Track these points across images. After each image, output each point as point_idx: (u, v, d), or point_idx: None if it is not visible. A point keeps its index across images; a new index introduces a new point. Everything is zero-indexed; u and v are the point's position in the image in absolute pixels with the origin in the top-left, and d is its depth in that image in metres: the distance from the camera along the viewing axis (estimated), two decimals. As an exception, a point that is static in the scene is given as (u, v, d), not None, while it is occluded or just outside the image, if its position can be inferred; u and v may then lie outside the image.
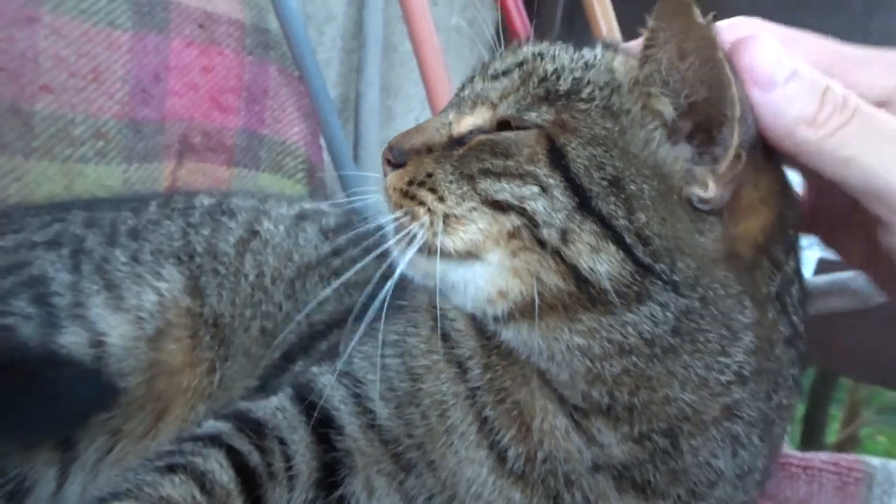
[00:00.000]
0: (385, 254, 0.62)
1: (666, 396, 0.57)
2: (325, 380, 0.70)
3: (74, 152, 1.22)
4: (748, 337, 0.58)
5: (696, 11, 0.51)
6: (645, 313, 0.55)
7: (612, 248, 0.54)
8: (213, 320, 0.89)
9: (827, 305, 1.12)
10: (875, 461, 1.01)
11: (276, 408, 0.69)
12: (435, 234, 0.58)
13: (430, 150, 0.62)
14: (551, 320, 0.57)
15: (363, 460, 0.66)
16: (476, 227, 0.57)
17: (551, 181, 0.56)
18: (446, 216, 0.58)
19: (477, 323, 0.65)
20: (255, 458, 0.64)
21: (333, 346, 0.77)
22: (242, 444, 0.65)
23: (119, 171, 1.28)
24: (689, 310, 0.55)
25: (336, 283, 0.76)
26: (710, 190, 0.55)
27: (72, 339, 0.80)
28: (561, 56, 0.61)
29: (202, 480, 0.61)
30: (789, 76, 0.54)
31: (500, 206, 0.57)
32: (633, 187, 0.55)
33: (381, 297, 0.60)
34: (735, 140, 0.53)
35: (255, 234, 0.96)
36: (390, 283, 0.60)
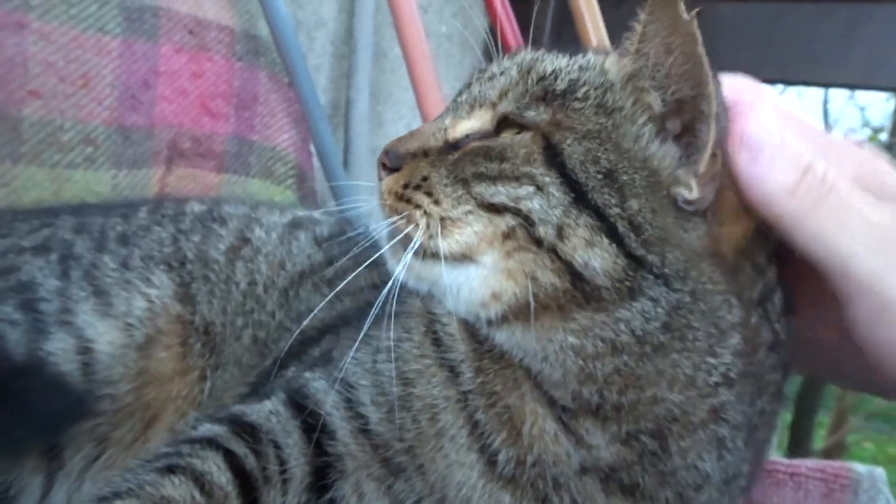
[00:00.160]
0: (378, 263, 0.63)
1: (654, 396, 0.58)
2: (318, 385, 0.70)
3: (63, 158, 1.22)
4: (735, 338, 0.59)
5: (682, 7, 0.53)
6: (637, 309, 0.56)
7: (606, 241, 0.56)
8: (203, 328, 0.88)
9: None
10: (861, 468, 1.02)
11: (270, 412, 0.69)
12: (431, 237, 0.59)
13: (425, 154, 0.63)
14: (546, 320, 0.58)
15: (353, 464, 0.66)
16: (471, 229, 0.59)
17: (547, 179, 0.57)
18: (442, 219, 0.59)
19: (469, 327, 0.65)
20: (251, 461, 0.64)
21: (326, 352, 0.77)
22: (239, 447, 0.65)
23: (108, 177, 1.27)
24: (679, 304, 0.56)
25: (331, 295, 0.76)
26: (693, 191, 0.57)
27: (59, 346, 0.79)
28: (558, 59, 0.64)
29: (201, 482, 0.61)
30: (777, 146, 0.56)
31: (495, 209, 0.58)
32: (625, 177, 0.57)
33: (377, 303, 0.61)
34: (711, 136, 0.55)
35: (247, 241, 0.96)
36: (385, 289, 0.61)
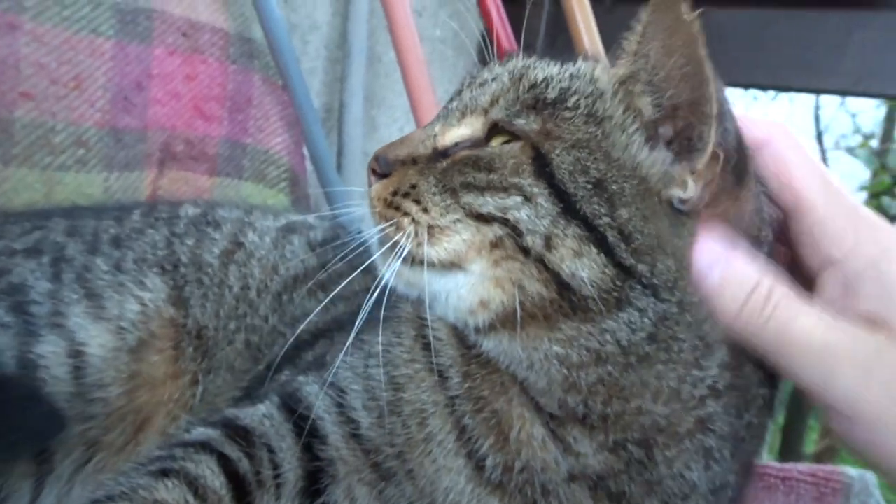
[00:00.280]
0: (372, 267, 0.63)
1: (638, 407, 0.58)
2: (311, 389, 0.70)
3: (55, 160, 1.21)
4: (722, 351, 0.59)
5: (684, 8, 0.53)
6: (623, 320, 0.56)
7: (594, 251, 0.56)
8: (196, 332, 0.88)
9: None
10: (852, 472, 1.02)
11: (264, 415, 0.69)
12: (419, 245, 0.59)
13: (415, 161, 0.63)
14: (531, 329, 0.58)
15: (345, 469, 0.66)
16: (460, 237, 0.59)
17: (535, 189, 0.57)
18: (430, 227, 0.59)
19: (458, 332, 0.65)
20: (244, 465, 0.64)
21: (319, 356, 0.77)
22: (232, 451, 0.65)
23: (100, 180, 1.26)
24: (666, 315, 0.56)
25: (326, 301, 0.76)
26: (689, 189, 0.57)
27: (50, 349, 0.79)
28: (549, 67, 0.63)
29: (195, 486, 0.61)
30: (721, 273, 0.58)
31: (483, 218, 0.58)
32: (615, 187, 0.57)
33: (363, 307, 0.61)
34: (712, 137, 0.56)
35: (240, 245, 0.96)
36: (374, 294, 0.61)
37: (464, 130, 0.63)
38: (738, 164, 0.59)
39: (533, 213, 0.57)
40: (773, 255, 0.62)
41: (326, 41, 1.89)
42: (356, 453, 0.67)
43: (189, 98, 1.40)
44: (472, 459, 0.63)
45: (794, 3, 1.83)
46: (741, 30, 1.77)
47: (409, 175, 0.62)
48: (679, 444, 0.60)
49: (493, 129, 0.62)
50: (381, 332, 0.65)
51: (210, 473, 0.62)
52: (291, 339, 0.81)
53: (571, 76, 0.62)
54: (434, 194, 0.60)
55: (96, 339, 0.81)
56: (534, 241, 0.56)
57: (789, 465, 1.05)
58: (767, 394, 0.64)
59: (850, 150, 3.61)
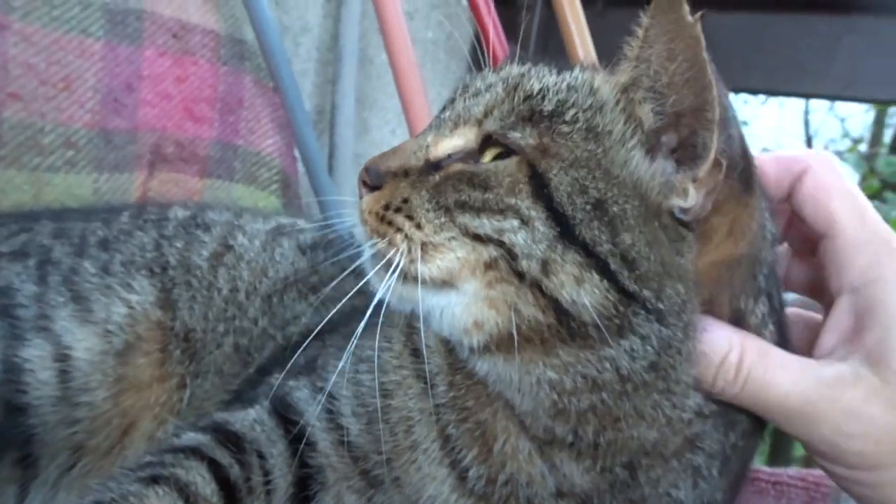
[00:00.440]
0: (362, 272, 0.62)
1: (631, 436, 0.57)
2: (301, 395, 0.70)
3: (43, 161, 1.20)
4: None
5: (686, 9, 0.51)
6: (625, 347, 0.54)
7: (596, 277, 0.53)
8: (184, 334, 0.87)
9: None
10: (842, 476, 1.02)
11: (255, 420, 0.69)
12: (412, 262, 0.57)
13: (406, 173, 0.61)
14: (526, 354, 0.56)
15: (334, 476, 0.66)
16: (454, 255, 0.57)
17: (533, 213, 0.55)
18: (423, 244, 0.57)
19: (447, 340, 0.64)
20: (235, 471, 0.64)
21: (311, 360, 0.76)
22: (223, 457, 0.64)
23: (89, 181, 1.26)
24: (670, 342, 0.55)
25: (316, 301, 0.75)
26: (689, 197, 0.55)
27: (35, 353, 0.78)
28: (545, 77, 0.61)
29: (186, 493, 0.60)
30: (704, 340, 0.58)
31: (479, 238, 0.56)
32: (615, 209, 0.54)
33: (360, 325, 0.60)
34: (714, 144, 0.53)
35: (230, 248, 0.95)
36: (370, 309, 0.60)
37: (457, 141, 0.60)
38: (744, 171, 0.58)
39: (529, 236, 0.54)
40: (771, 274, 0.61)
41: (318, 43, 1.88)
42: (345, 460, 0.66)
43: (180, 99, 1.39)
44: (455, 469, 0.63)
45: (784, 8, 1.84)
46: (732, 34, 1.78)
47: (400, 188, 0.60)
48: (666, 464, 0.59)
49: (487, 141, 0.59)
50: (372, 337, 0.64)
51: (201, 480, 0.62)
52: (273, 340, 0.80)
53: (569, 87, 0.59)
54: (427, 210, 0.58)
55: (83, 343, 0.80)
56: (529, 266, 0.54)
57: (780, 470, 1.05)
58: (747, 419, 0.63)
59: (840, 155, 3.63)
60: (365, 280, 0.60)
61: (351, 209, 0.64)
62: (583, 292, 0.53)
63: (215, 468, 0.63)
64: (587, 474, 0.59)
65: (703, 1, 0.53)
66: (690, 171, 0.55)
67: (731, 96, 0.58)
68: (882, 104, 3.09)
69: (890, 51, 1.71)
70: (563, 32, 1.65)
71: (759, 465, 1.11)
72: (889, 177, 3.01)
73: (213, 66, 1.44)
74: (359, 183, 0.62)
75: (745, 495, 0.97)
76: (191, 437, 0.67)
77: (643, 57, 0.55)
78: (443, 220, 0.57)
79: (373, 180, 0.61)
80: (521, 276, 0.55)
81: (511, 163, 0.57)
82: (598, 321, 0.53)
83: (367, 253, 0.60)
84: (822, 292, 0.67)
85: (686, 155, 0.56)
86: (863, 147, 3.58)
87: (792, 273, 0.70)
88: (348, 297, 0.61)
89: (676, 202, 0.55)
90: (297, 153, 1.62)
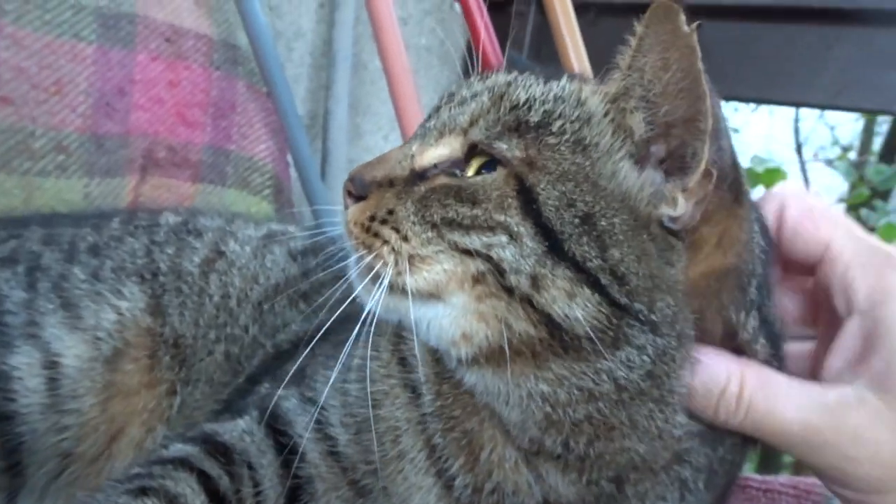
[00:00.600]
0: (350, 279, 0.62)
1: (621, 447, 0.57)
2: (290, 405, 0.69)
3: (34, 165, 1.20)
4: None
5: (682, 19, 0.51)
6: (621, 358, 0.54)
7: (588, 292, 0.53)
8: (173, 340, 0.87)
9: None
10: (832, 484, 1.02)
11: (244, 431, 0.68)
12: (399, 274, 0.56)
13: (391, 183, 0.60)
14: (517, 367, 0.55)
15: (323, 486, 0.66)
16: (441, 267, 0.56)
17: (521, 229, 0.54)
18: (410, 256, 0.56)
19: (434, 350, 0.64)
20: (225, 482, 0.63)
21: (300, 368, 0.76)
22: (212, 469, 0.64)
23: (80, 186, 1.25)
24: (665, 351, 0.54)
25: (308, 311, 0.74)
26: (679, 206, 0.55)
27: (24, 360, 0.77)
28: (532, 87, 0.60)
29: None
30: (700, 371, 0.58)
31: (467, 252, 0.55)
32: (604, 223, 0.54)
33: (348, 344, 0.60)
34: (705, 154, 0.53)
35: (221, 254, 0.94)
36: (358, 317, 0.59)
37: (442, 151, 0.60)
38: (734, 182, 0.58)
39: (517, 252, 0.54)
40: (762, 287, 0.61)
41: (311, 48, 1.88)
42: (334, 470, 0.66)
43: (172, 104, 1.39)
44: (442, 479, 0.63)
45: (775, 18, 1.85)
46: (723, 43, 1.79)
47: (386, 198, 0.59)
48: (654, 478, 0.59)
49: (473, 150, 0.58)
50: (361, 347, 0.64)
51: (190, 492, 0.61)
52: (263, 349, 0.80)
53: (556, 98, 0.58)
54: (414, 223, 0.57)
55: (72, 350, 0.80)
56: (518, 281, 0.54)
57: (770, 478, 1.05)
58: (736, 437, 0.63)
59: (829, 162, 3.65)
60: (354, 295, 0.60)
61: (340, 217, 0.64)
62: (575, 306, 0.53)
63: (204, 480, 0.63)
64: (572, 486, 0.59)
65: (694, 10, 0.53)
66: (680, 180, 0.55)
67: (722, 104, 0.57)
68: (872, 113, 3.11)
69: (880, 61, 1.73)
70: (556, 40, 1.66)
71: (749, 472, 1.11)
72: (878, 185, 3.03)
73: (205, 70, 1.44)
74: (343, 193, 0.62)
75: (736, 503, 0.98)
76: (179, 449, 0.67)
77: (636, 66, 0.54)
78: (430, 234, 0.56)
79: (358, 190, 0.61)
80: (510, 290, 0.54)
81: (499, 176, 0.56)
82: (592, 334, 0.53)
83: (354, 265, 0.60)
84: (814, 320, 0.67)
85: (674, 165, 0.55)
86: (852, 155, 3.60)
87: (781, 304, 0.70)
88: (341, 309, 0.61)
89: (665, 211, 0.55)
90: (289, 158, 1.62)
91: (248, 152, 1.53)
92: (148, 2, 1.33)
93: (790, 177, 3.01)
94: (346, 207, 0.61)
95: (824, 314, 0.67)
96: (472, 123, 0.59)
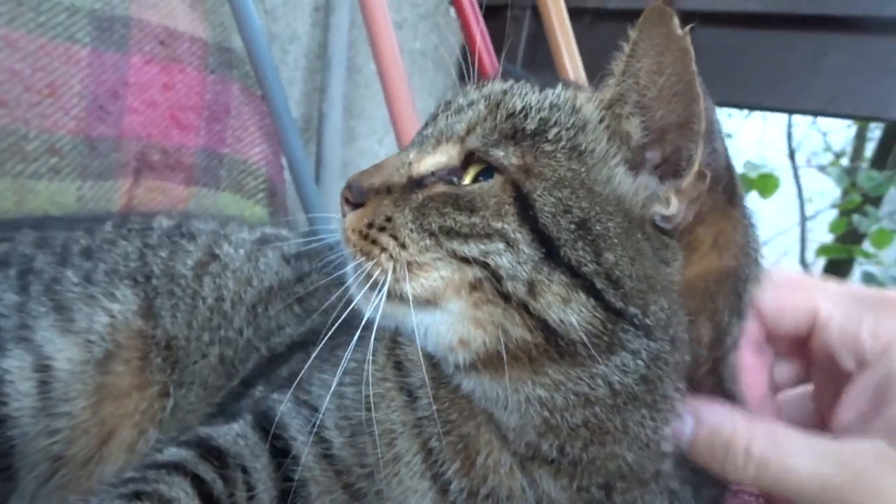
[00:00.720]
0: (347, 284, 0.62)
1: (612, 453, 0.57)
2: (284, 408, 0.69)
3: (27, 168, 1.19)
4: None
5: (676, 23, 0.51)
6: (616, 363, 0.54)
7: (583, 296, 0.53)
8: (165, 342, 0.87)
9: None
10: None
11: (238, 435, 0.68)
12: (398, 281, 0.57)
13: (389, 190, 0.60)
14: (514, 372, 0.56)
15: (317, 490, 0.66)
16: (438, 273, 0.56)
17: (518, 236, 0.55)
18: (409, 263, 0.57)
19: (430, 354, 0.64)
20: (219, 486, 0.63)
21: (294, 372, 0.76)
22: (207, 473, 0.64)
23: (73, 189, 1.24)
24: (659, 355, 0.55)
25: (305, 317, 0.74)
26: (672, 206, 0.55)
27: (15, 364, 0.77)
28: (528, 95, 0.60)
29: None
30: (692, 427, 0.58)
31: (465, 259, 0.56)
32: (598, 227, 0.54)
33: (347, 354, 0.60)
34: (699, 156, 0.54)
35: (215, 257, 0.94)
36: (352, 320, 0.59)
37: (439, 158, 0.60)
38: (728, 184, 0.58)
39: (514, 259, 0.54)
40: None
41: (306, 51, 1.88)
42: (328, 473, 0.66)
43: (166, 107, 1.39)
44: (437, 482, 0.63)
45: (768, 24, 1.86)
46: (717, 50, 1.80)
47: (383, 206, 0.59)
48: (642, 488, 0.59)
49: (470, 158, 0.59)
50: (356, 350, 0.64)
51: (184, 496, 0.61)
52: (257, 351, 0.79)
53: (552, 105, 0.59)
54: (411, 231, 0.57)
55: (64, 353, 0.79)
56: (515, 288, 0.54)
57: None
58: None
59: (822, 168, 3.67)
60: (353, 301, 0.60)
61: (337, 224, 0.64)
62: (570, 312, 0.53)
63: (199, 484, 0.62)
64: (564, 492, 0.59)
65: (688, 16, 0.53)
66: (674, 182, 0.55)
67: (716, 110, 0.58)
68: (864, 120, 3.13)
69: (873, 68, 1.74)
70: (551, 45, 1.66)
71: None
72: (870, 191, 3.05)
73: (200, 73, 1.44)
74: (341, 200, 0.62)
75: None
76: (173, 453, 0.66)
77: (631, 71, 0.55)
78: (428, 241, 0.57)
79: (355, 197, 0.61)
80: (506, 297, 0.54)
81: (496, 183, 0.57)
82: (587, 339, 0.53)
83: (352, 272, 0.60)
84: (807, 378, 0.67)
85: (669, 171, 0.56)
86: (845, 161, 3.62)
87: (777, 373, 0.70)
88: (336, 314, 0.61)
89: (659, 210, 0.56)
90: (284, 162, 1.62)
91: (243, 156, 1.53)
92: (142, 5, 1.33)
93: (783, 182, 3.03)
94: (344, 215, 0.61)
95: (820, 373, 0.67)
96: (469, 131, 0.59)
